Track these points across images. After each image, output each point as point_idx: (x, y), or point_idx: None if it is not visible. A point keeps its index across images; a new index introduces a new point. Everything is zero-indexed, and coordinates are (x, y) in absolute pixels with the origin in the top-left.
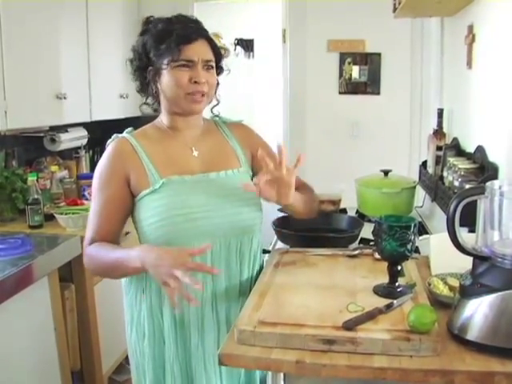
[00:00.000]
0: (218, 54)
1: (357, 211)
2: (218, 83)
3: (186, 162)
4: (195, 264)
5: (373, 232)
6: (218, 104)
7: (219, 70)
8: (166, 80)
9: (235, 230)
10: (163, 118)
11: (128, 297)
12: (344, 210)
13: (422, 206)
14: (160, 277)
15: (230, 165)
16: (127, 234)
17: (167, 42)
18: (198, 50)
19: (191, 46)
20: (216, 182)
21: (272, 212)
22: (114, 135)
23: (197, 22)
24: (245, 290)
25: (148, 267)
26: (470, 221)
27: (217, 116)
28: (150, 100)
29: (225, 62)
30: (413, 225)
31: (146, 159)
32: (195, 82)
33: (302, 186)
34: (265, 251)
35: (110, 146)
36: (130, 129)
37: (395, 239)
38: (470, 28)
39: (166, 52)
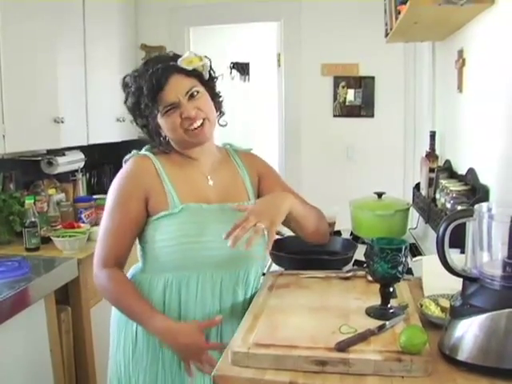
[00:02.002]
0: (198, 75)
1: (351, 233)
2: (216, 93)
3: (203, 191)
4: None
5: (365, 254)
6: (223, 114)
7: (210, 80)
8: (164, 126)
9: (245, 261)
10: (179, 150)
11: (117, 312)
12: (338, 232)
13: (415, 228)
14: (184, 360)
15: (240, 197)
16: None
17: (143, 100)
18: (175, 89)
19: (166, 89)
20: (230, 213)
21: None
22: (134, 151)
23: (165, 59)
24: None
25: (171, 348)
26: (462, 242)
27: (228, 144)
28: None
29: (213, 69)
30: (404, 247)
31: (168, 181)
32: (186, 118)
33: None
34: None
35: (132, 161)
36: (148, 147)
37: (386, 261)
38: (460, 53)
39: (149, 109)
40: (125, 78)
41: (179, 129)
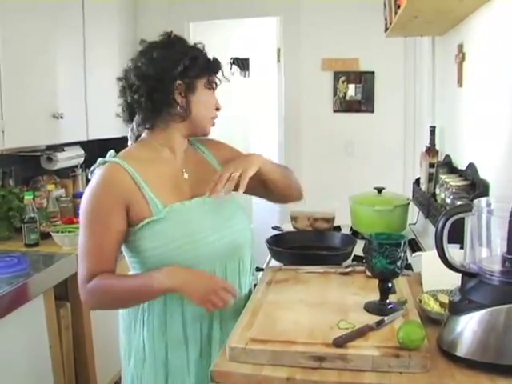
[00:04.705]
0: None
1: (351, 229)
2: None
3: (180, 186)
4: (227, 288)
5: (363, 249)
6: None
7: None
8: (201, 99)
9: (231, 250)
10: (160, 136)
11: (125, 324)
12: (338, 228)
13: (415, 223)
14: (201, 297)
15: None
16: None
17: (202, 60)
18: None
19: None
20: (210, 205)
21: (266, 230)
22: (100, 160)
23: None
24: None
25: (183, 287)
26: (462, 237)
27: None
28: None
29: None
30: (402, 242)
31: (145, 186)
32: (217, 109)
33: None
34: (258, 269)
35: (103, 171)
36: (113, 152)
37: (385, 257)
38: (460, 47)
39: (208, 68)
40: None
41: (211, 113)
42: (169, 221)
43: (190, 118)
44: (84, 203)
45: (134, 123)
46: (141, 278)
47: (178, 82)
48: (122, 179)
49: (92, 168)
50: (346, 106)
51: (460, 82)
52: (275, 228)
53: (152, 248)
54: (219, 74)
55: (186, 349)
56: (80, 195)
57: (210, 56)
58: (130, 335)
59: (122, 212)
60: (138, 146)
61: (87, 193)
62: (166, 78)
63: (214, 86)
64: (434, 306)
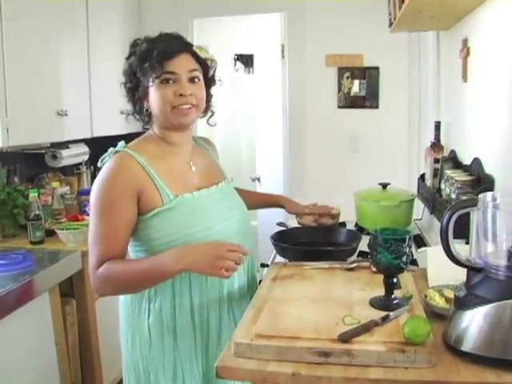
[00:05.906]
0: (205, 65)
1: (356, 224)
2: (211, 95)
3: (189, 178)
4: (236, 254)
5: (368, 245)
6: (213, 115)
7: (210, 82)
8: (153, 97)
9: (242, 235)
10: (159, 134)
11: (127, 312)
12: (343, 224)
13: (421, 219)
14: (209, 267)
15: (218, 178)
16: None
17: (149, 60)
18: (181, 64)
19: (174, 60)
20: (216, 195)
21: (271, 226)
22: (111, 149)
23: (180, 38)
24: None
25: (191, 266)
26: (467, 232)
27: None
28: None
29: (216, 73)
30: (407, 237)
31: (156, 176)
32: (180, 95)
33: None
34: (263, 265)
35: (114, 160)
36: (123, 143)
37: (390, 252)
38: (465, 42)
39: (150, 70)
40: (137, 39)
41: (167, 105)
42: (179, 210)
43: (158, 116)
44: (95, 190)
45: None
46: (151, 262)
47: (139, 88)
48: (134, 167)
49: (103, 157)
50: (350, 101)
51: (465, 77)
52: (280, 224)
53: (162, 237)
54: (174, 60)
55: (194, 336)
56: (85, 192)
57: (164, 46)
58: (134, 323)
59: (134, 199)
60: (144, 140)
61: (99, 180)
62: (131, 87)
63: (168, 76)
64: (439, 301)
